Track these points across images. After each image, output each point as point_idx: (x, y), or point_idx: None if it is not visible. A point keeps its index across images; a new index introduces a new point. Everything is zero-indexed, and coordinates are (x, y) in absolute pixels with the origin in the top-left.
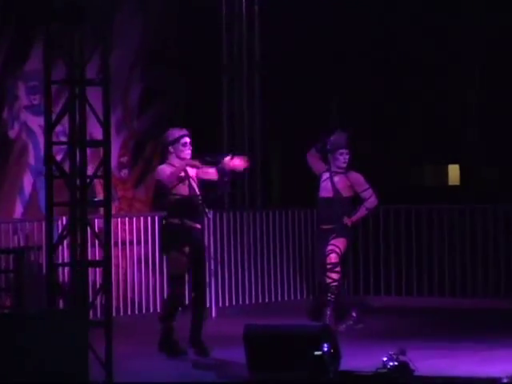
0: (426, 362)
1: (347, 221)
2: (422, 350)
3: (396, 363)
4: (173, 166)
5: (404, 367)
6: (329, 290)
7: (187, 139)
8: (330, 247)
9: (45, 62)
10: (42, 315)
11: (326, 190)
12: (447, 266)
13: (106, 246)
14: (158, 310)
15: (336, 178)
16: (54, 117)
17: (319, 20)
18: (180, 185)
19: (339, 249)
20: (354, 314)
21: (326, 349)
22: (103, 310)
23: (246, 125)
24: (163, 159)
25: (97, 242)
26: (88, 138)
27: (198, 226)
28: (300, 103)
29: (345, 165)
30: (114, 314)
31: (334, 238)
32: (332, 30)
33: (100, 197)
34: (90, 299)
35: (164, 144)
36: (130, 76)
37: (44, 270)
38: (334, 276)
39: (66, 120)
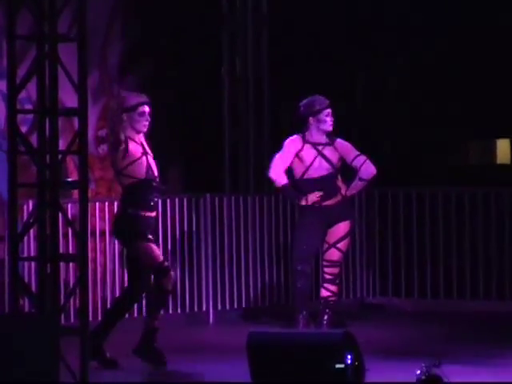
0: (464, 377)
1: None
2: (462, 364)
3: (424, 377)
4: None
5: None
6: (327, 305)
7: (146, 108)
8: (339, 243)
9: (7, 15)
10: (4, 320)
11: (321, 169)
12: (495, 263)
13: (81, 237)
14: (144, 314)
15: (326, 152)
16: (17, 80)
17: None
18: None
19: (346, 247)
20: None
21: (349, 361)
22: (77, 314)
23: (252, 88)
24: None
25: (70, 231)
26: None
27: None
28: (316, 65)
29: (331, 128)
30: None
31: (341, 224)
32: None
33: (73, 177)
34: (62, 301)
35: (115, 110)
36: (108, 32)
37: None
38: (334, 289)
39: (31, 84)
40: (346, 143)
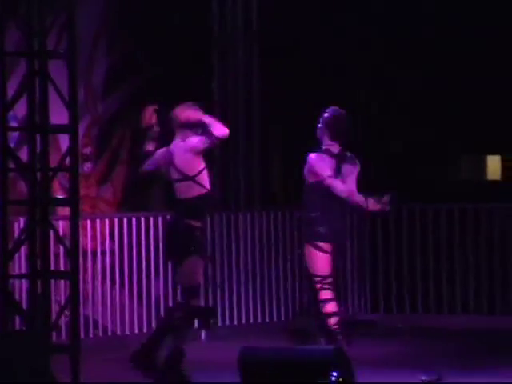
0: None
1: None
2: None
3: None
4: None
5: None
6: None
7: None
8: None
9: None
10: None
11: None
12: (485, 278)
13: (73, 254)
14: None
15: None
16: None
17: None
18: None
19: None
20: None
21: (333, 378)
22: (68, 332)
23: (242, 108)
24: None
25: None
26: None
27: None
28: (307, 81)
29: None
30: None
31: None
32: None
33: (59, 195)
34: (53, 318)
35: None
36: (93, 49)
37: None
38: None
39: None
40: None
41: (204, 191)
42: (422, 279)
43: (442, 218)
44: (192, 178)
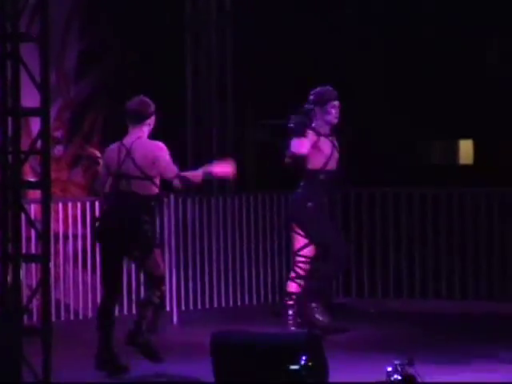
0: (435, 377)
1: None
2: (432, 363)
3: (400, 377)
4: None
5: (410, 382)
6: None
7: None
8: None
9: None
10: None
11: (335, 161)
12: (457, 263)
13: (44, 237)
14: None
15: (336, 143)
16: None
17: None
18: None
19: None
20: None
21: (303, 362)
22: (39, 316)
23: (215, 91)
24: None
25: (33, 233)
26: None
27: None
28: (284, 63)
29: (336, 120)
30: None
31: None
32: None
33: (29, 178)
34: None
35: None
36: (65, 34)
37: None
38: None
39: None
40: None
41: (157, 191)
42: (395, 265)
43: (414, 203)
44: (152, 178)
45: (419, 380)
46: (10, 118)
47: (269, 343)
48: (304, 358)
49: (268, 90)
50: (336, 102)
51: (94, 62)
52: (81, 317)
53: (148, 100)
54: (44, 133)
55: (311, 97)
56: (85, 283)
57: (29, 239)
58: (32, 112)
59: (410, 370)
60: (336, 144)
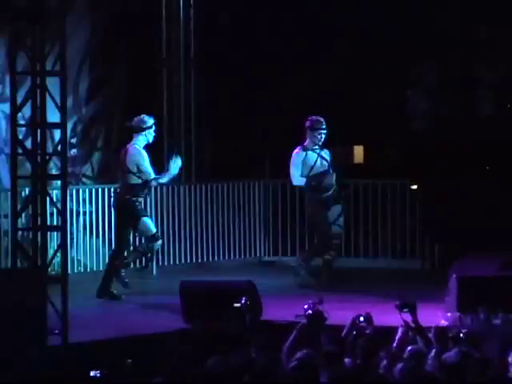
0: (337, 312)
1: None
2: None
3: (311, 312)
4: None
5: (318, 316)
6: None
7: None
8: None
9: (10, 56)
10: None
11: (322, 167)
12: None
13: (63, 213)
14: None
15: (322, 153)
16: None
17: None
18: None
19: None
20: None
21: (243, 301)
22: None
23: (183, 105)
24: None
25: (55, 210)
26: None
27: None
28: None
29: (320, 143)
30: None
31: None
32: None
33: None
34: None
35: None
36: (79, 70)
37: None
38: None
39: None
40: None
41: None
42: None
43: None
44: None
45: (325, 315)
46: (38, 130)
47: (220, 288)
48: (244, 298)
49: (224, 109)
50: (323, 131)
51: (100, 89)
52: (88, 270)
53: (145, 118)
54: (62, 140)
55: (308, 123)
56: (91, 245)
57: (52, 215)
58: (54, 125)
59: (320, 307)
60: (324, 154)
